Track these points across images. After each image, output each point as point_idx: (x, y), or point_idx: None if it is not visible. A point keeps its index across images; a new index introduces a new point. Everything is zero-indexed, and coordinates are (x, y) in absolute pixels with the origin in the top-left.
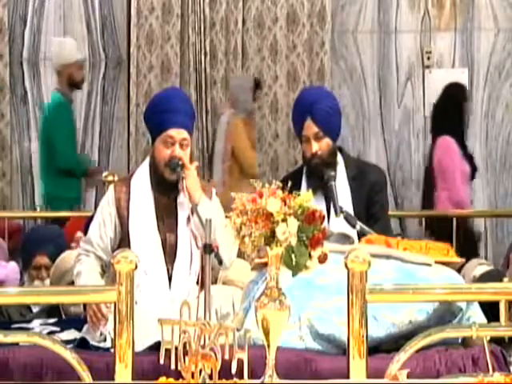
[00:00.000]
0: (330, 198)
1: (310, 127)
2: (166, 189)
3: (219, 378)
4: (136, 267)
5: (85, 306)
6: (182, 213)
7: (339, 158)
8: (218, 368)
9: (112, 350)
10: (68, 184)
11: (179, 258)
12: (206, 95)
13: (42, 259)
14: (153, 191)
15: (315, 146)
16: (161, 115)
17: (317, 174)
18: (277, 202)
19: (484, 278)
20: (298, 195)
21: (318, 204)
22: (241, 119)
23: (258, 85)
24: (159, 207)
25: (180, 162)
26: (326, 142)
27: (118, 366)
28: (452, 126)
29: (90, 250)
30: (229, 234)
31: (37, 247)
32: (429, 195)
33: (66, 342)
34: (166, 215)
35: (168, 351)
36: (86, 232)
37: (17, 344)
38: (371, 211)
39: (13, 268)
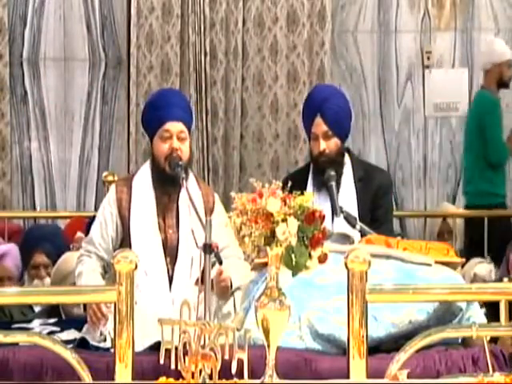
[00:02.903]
0: (329, 197)
1: (320, 125)
2: (167, 185)
3: (219, 378)
4: (136, 267)
5: (85, 306)
6: (184, 213)
7: (346, 158)
8: (218, 368)
9: (112, 350)
10: (495, 179)
11: (180, 259)
12: (206, 95)
13: (40, 258)
14: (154, 191)
15: (323, 145)
16: (155, 112)
17: (322, 173)
18: (277, 202)
19: None
20: (302, 194)
21: (323, 203)
22: None
23: None
24: (160, 206)
25: (180, 163)
26: (335, 141)
27: (117, 366)
28: None
29: (92, 250)
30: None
31: (34, 246)
32: None
33: (66, 342)
34: (168, 214)
35: (168, 351)
36: (87, 232)
37: (17, 344)
38: (376, 214)
39: (13, 246)
